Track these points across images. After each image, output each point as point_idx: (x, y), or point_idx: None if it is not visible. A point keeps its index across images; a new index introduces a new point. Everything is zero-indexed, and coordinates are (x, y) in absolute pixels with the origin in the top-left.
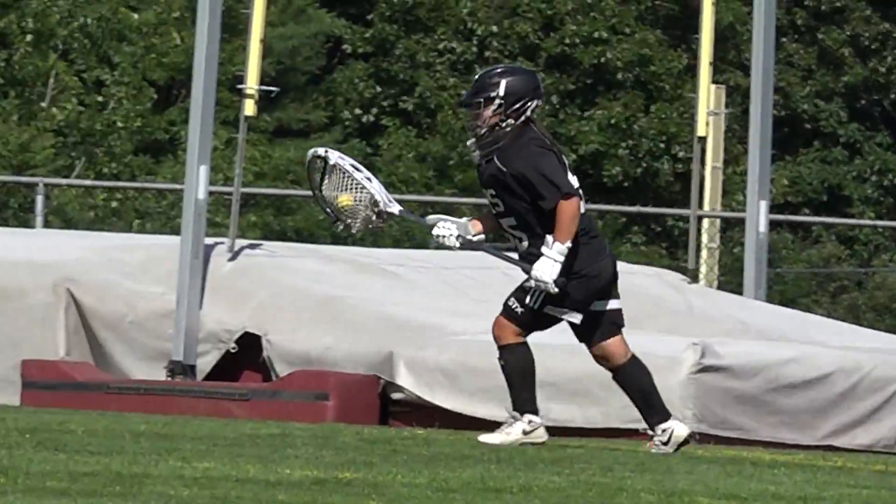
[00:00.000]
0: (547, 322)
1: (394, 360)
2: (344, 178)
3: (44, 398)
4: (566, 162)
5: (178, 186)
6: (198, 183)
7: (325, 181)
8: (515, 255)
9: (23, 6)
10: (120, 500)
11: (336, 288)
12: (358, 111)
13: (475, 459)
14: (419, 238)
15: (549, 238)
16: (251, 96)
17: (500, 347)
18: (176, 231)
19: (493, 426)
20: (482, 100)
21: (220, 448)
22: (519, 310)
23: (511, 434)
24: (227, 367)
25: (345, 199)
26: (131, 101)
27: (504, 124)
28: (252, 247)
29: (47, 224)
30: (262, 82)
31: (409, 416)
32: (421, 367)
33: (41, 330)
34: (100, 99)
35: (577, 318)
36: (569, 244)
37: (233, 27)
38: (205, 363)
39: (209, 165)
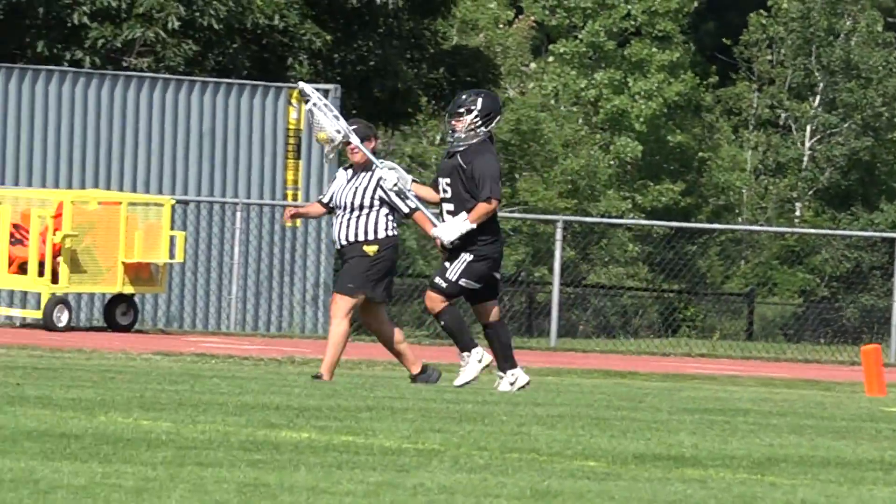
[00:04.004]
0: (463, 291)
1: None
2: (323, 114)
3: None
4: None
5: None
6: None
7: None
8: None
9: None
10: None
11: None
12: None
13: None
14: None
15: (464, 214)
16: None
17: (436, 315)
18: None
19: None
20: (463, 111)
21: None
22: (443, 284)
23: (470, 369)
24: None
25: (322, 136)
26: None
27: (476, 131)
28: None
29: None
30: None
31: None
32: None
33: None
34: None
35: (476, 286)
36: (473, 226)
37: None
38: None
39: None
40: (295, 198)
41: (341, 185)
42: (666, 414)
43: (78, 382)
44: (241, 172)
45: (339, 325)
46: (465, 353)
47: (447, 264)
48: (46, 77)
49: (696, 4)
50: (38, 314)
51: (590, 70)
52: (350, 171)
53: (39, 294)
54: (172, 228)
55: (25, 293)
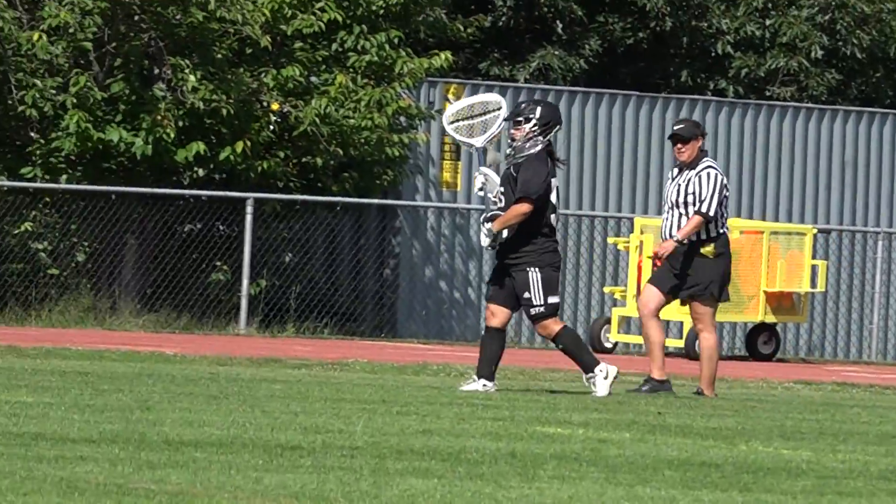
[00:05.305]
0: (558, 307)
1: None
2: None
3: None
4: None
5: None
6: None
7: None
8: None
9: None
10: None
11: None
12: None
13: None
14: None
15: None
16: None
17: (553, 339)
18: None
19: None
20: (521, 119)
21: None
22: (542, 310)
23: (602, 387)
24: None
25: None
26: None
27: (534, 140)
28: None
29: None
30: None
31: None
32: None
33: None
34: None
35: (558, 298)
36: (495, 227)
37: None
38: None
39: None
40: None
41: (668, 184)
42: None
43: (718, 411)
44: (882, 201)
45: (709, 338)
46: (590, 375)
47: (526, 294)
48: (690, 106)
49: None
50: (680, 343)
51: None
52: (676, 171)
53: (681, 322)
54: (814, 257)
55: (668, 322)
